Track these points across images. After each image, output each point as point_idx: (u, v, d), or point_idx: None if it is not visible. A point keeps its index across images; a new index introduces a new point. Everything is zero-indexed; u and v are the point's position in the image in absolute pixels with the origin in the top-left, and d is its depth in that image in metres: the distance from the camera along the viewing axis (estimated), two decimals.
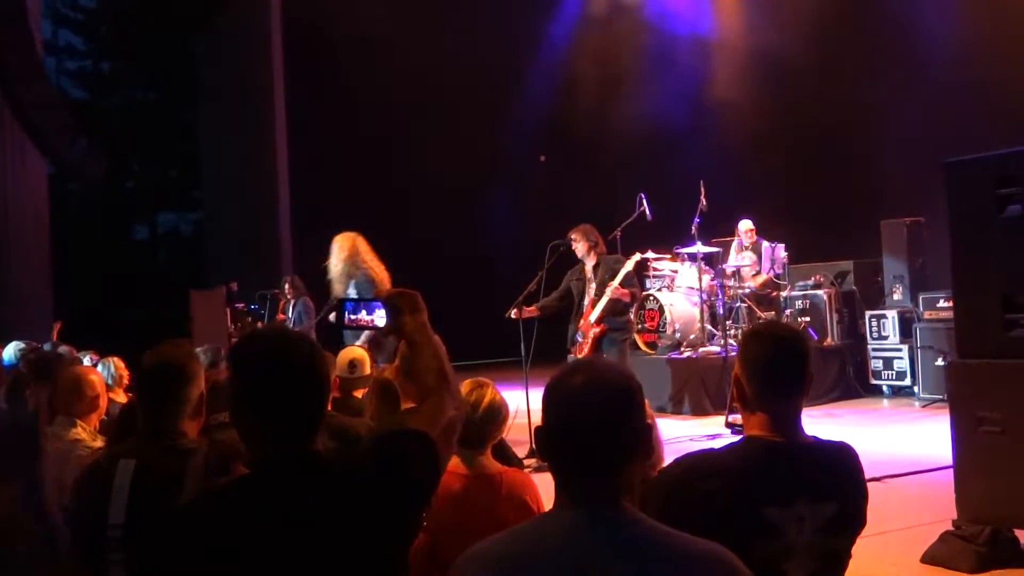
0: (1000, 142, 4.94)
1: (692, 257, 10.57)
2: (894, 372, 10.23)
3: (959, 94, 10.52)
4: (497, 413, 3.06)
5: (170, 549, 1.76)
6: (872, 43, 11.90)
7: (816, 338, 10.47)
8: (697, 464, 2.24)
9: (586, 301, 7.64)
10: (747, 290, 10.77)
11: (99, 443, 3.61)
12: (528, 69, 16.02)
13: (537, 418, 1.77)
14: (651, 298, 10.80)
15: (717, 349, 10.12)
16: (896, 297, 10.50)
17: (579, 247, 7.66)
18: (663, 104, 13.85)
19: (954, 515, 4.53)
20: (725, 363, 9.41)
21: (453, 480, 2.88)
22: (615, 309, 7.58)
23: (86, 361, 6.43)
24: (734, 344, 9.36)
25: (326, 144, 15.40)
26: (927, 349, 9.62)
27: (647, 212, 8.75)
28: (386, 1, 14.83)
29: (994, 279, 4.43)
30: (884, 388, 10.39)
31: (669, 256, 10.96)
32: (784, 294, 11.07)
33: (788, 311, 10.97)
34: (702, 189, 9.77)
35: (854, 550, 2.28)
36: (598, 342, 7.52)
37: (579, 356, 7.30)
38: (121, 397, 5.53)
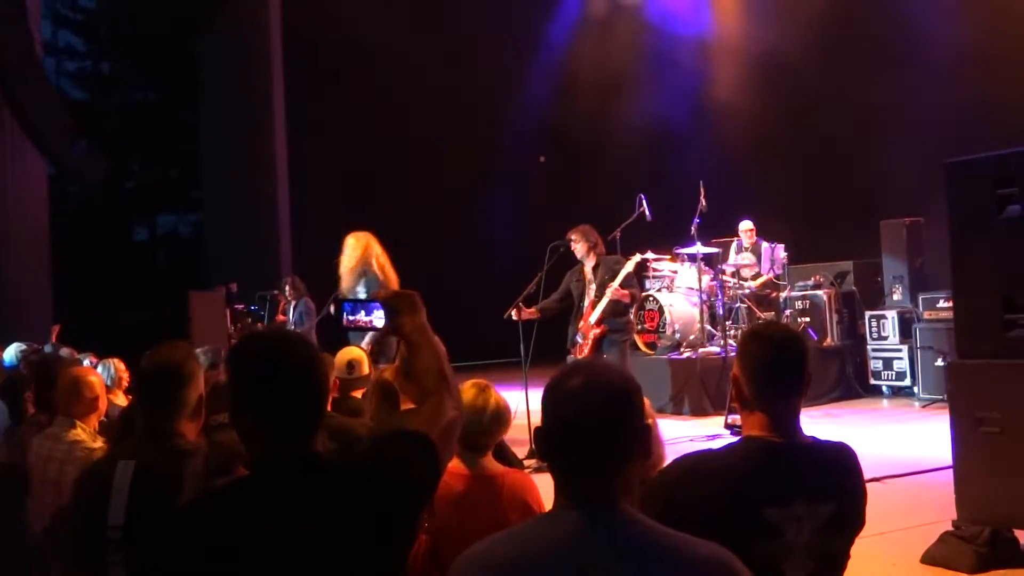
0: (1000, 142, 4.94)
1: (692, 258, 10.57)
2: (894, 372, 10.23)
3: (959, 94, 10.52)
4: (503, 416, 3.07)
5: (170, 549, 1.76)
6: (872, 43, 11.90)
7: (816, 338, 10.47)
8: (696, 465, 2.24)
9: (586, 302, 7.62)
10: (747, 290, 10.77)
11: (99, 444, 3.61)
12: (528, 70, 16.03)
13: (537, 419, 1.77)
14: (651, 299, 10.79)
15: (717, 350, 10.12)
16: (896, 297, 10.50)
17: (578, 248, 7.65)
18: (663, 105, 13.86)
19: (954, 515, 4.53)
20: (725, 364, 9.40)
21: (454, 481, 2.88)
22: (615, 310, 7.57)
23: (86, 363, 6.42)
24: (733, 344, 9.35)
25: (326, 144, 15.41)
26: (927, 349, 9.62)
27: (647, 213, 8.75)
28: (386, 2, 14.83)
29: (994, 279, 4.43)
30: (884, 388, 10.39)
31: (669, 257, 10.96)
32: (784, 294, 11.07)
33: (788, 311, 10.96)
34: (702, 190, 9.76)
35: (854, 550, 2.28)
36: (598, 343, 7.51)
37: (579, 357, 7.29)
38: (121, 398, 5.53)
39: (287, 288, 10.55)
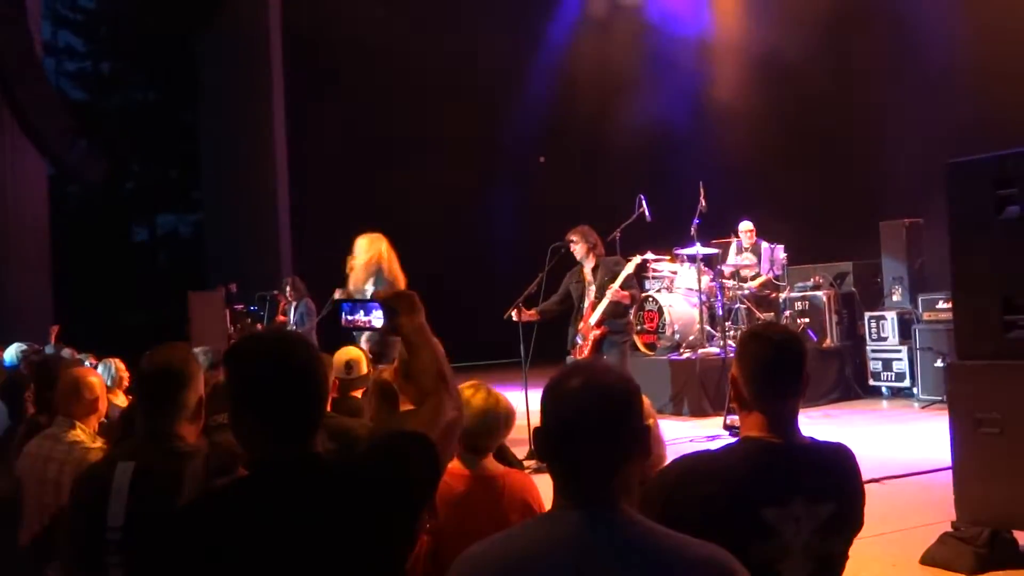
0: (1000, 143, 4.94)
1: (691, 258, 10.56)
2: (893, 373, 10.23)
3: (959, 94, 10.52)
4: (511, 419, 3.07)
5: (170, 550, 1.76)
6: (873, 44, 11.90)
7: (815, 339, 10.47)
8: (695, 466, 2.24)
9: (586, 303, 7.62)
10: (746, 291, 10.77)
11: (98, 445, 3.61)
12: (528, 70, 16.04)
13: (536, 419, 1.77)
14: (650, 299, 10.79)
15: (716, 350, 10.11)
16: (895, 298, 10.50)
17: (578, 249, 7.64)
18: (663, 105, 13.87)
19: (953, 516, 4.54)
20: (724, 364, 9.40)
21: (455, 482, 2.88)
22: (615, 311, 7.56)
23: (86, 364, 6.42)
24: (733, 345, 9.35)
25: (326, 144, 15.41)
26: (926, 350, 9.62)
27: (647, 213, 8.74)
28: (386, 1, 14.84)
29: (993, 280, 4.43)
30: (883, 389, 10.39)
31: (668, 257, 10.96)
32: (783, 295, 11.06)
33: (787, 312, 10.96)
34: (701, 190, 9.76)
35: (853, 551, 2.28)
36: (598, 344, 7.51)
37: (579, 358, 7.29)
38: (121, 398, 5.53)
39: (288, 289, 10.55)
